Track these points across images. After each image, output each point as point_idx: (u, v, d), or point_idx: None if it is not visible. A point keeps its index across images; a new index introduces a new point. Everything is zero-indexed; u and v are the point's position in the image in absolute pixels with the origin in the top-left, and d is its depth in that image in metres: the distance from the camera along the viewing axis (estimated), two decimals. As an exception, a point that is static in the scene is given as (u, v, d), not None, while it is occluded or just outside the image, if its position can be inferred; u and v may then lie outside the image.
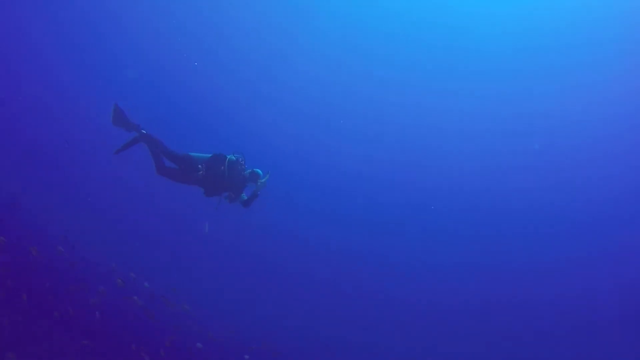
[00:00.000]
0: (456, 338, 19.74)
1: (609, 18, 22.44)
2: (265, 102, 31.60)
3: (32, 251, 7.34)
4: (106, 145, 7.42)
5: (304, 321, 17.86)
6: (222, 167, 6.69)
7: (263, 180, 6.87)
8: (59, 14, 25.35)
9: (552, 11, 23.38)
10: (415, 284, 23.61)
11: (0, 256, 7.74)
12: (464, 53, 26.89)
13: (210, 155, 6.94)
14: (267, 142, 29.79)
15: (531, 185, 27.35)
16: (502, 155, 28.38)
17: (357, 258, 25.05)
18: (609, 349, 19.50)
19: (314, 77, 30.69)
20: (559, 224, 26.46)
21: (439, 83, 28.34)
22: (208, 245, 21.40)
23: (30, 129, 21.02)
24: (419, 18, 26.28)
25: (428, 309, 21.90)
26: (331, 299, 20.82)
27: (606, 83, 24.68)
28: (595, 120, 26.02)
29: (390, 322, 20.10)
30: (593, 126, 26.14)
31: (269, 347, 10.58)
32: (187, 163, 6.83)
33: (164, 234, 20.31)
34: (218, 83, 31.08)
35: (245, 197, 7.10)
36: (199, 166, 6.80)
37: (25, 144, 19.50)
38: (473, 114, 28.52)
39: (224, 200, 6.99)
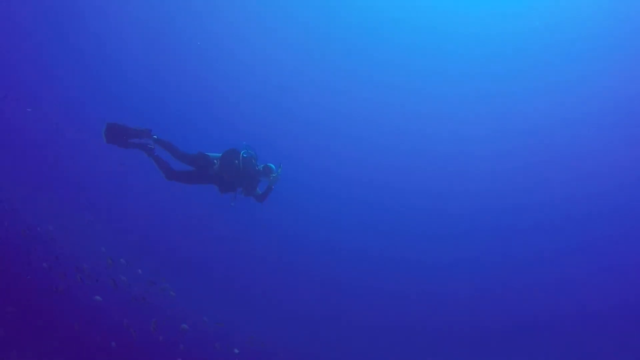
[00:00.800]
0: (456, 338, 19.79)
1: (601, 18, 22.67)
2: (265, 105, 31.85)
3: (22, 233, 7.43)
4: (99, 143, 7.37)
5: (300, 320, 17.93)
6: (237, 161, 6.74)
7: (275, 175, 6.89)
8: (55, 14, 25.56)
9: (546, 13, 23.60)
10: (415, 284, 23.70)
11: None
12: (464, 56, 27.10)
13: (221, 153, 6.94)
14: (266, 143, 29.89)
15: (523, 185, 27.61)
16: (499, 156, 28.57)
17: (353, 258, 25.14)
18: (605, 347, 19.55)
19: (313, 79, 30.93)
20: (551, 223, 26.68)
21: (438, 86, 28.56)
22: (205, 242, 21.56)
23: (27, 128, 21.24)
24: (419, 21, 26.49)
25: (428, 309, 21.97)
26: (326, 299, 20.89)
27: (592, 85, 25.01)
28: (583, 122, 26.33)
29: (389, 322, 20.16)
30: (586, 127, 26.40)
31: (258, 341, 10.65)
32: (202, 161, 6.86)
33: (161, 231, 20.45)
34: (214, 85, 31.33)
35: (260, 192, 7.12)
36: (215, 161, 6.86)
37: (22, 143, 19.71)
38: (471, 116, 28.70)
39: (239, 196, 6.99)
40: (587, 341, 19.82)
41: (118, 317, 8.16)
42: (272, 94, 31.26)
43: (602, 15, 22.57)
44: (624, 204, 25.55)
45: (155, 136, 6.93)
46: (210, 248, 21.59)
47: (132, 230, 17.90)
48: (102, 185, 20.50)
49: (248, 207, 7.49)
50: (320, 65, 30.17)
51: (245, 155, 6.85)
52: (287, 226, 26.31)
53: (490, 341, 19.74)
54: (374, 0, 26.03)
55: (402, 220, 28.59)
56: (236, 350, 10.48)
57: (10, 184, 15.21)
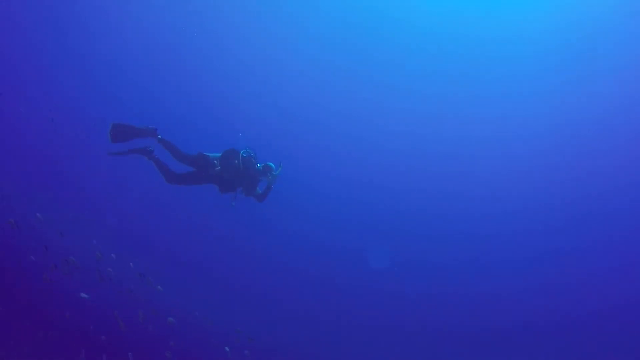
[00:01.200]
0: (456, 339, 19.73)
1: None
2: (265, 105, 31.84)
3: (11, 224, 7.42)
4: (98, 144, 7.34)
5: (300, 320, 17.89)
6: (237, 161, 6.79)
7: (275, 174, 6.92)
8: (55, 14, 25.61)
9: (546, 13, 23.57)
10: (415, 285, 23.63)
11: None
12: (464, 57, 27.07)
13: (221, 153, 6.98)
14: (266, 143, 29.87)
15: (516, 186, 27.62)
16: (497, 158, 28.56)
17: (352, 258, 25.08)
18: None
19: (313, 79, 30.93)
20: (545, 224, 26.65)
21: (438, 87, 28.53)
22: (205, 242, 21.56)
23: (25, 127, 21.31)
24: (419, 21, 26.46)
25: (428, 309, 21.91)
26: (325, 299, 20.86)
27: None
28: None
29: (389, 322, 20.11)
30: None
31: (246, 335, 10.65)
32: (203, 161, 6.91)
33: (161, 230, 20.45)
34: (214, 85, 31.33)
35: (260, 191, 7.15)
36: (215, 162, 6.90)
37: (21, 142, 19.77)
38: (471, 117, 28.66)
39: (239, 196, 7.02)
40: (587, 341, 19.74)
41: (108, 310, 8.16)
42: (272, 94, 31.26)
43: (603, 15, 22.53)
44: (624, 204, 25.48)
45: (159, 136, 6.97)
46: (210, 248, 21.61)
47: (131, 229, 17.93)
48: (101, 184, 20.52)
49: (248, 207, 7.49)
50: (320, 65, 30.16)
51: (244, 155, 6.87)
52: (287, 226, 26.29)
53: (491, 342, 19.69)
54: (374, 0, 26.04)
55: (402, 221, 28.54)
56: (227, 349, 10.51)
57: (9, 183, 15.26)
